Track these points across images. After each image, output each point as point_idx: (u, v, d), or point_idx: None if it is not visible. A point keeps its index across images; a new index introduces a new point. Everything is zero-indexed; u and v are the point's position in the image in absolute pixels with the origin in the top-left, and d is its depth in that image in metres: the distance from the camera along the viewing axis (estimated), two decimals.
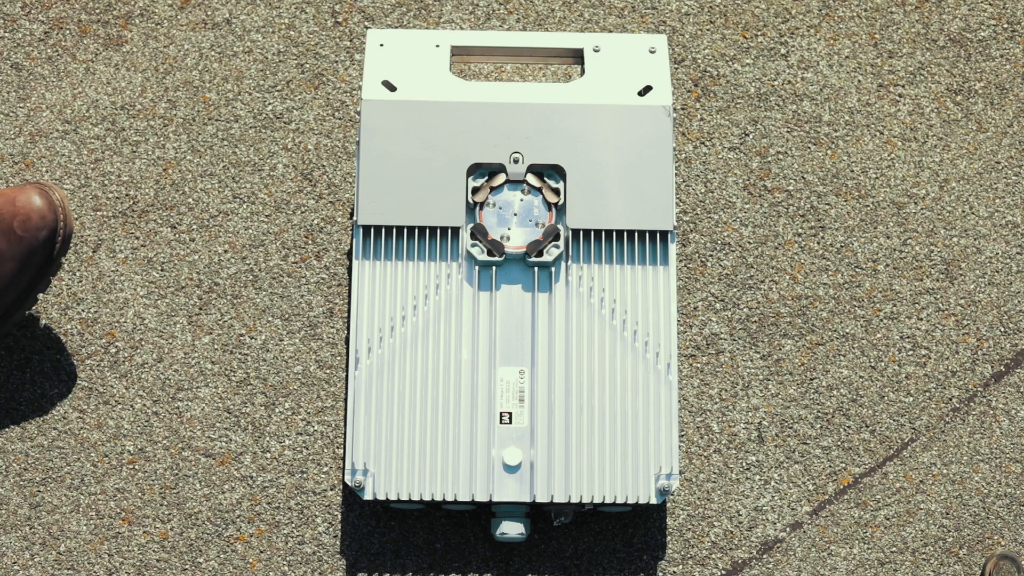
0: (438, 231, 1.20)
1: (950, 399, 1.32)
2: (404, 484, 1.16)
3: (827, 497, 1.30)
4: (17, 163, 1.34)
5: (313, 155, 1.34)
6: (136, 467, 1.27)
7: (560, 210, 1.20)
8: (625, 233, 1.20)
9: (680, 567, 1.28)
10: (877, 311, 1.32)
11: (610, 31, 1.38)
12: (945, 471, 1.31)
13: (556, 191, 1.20)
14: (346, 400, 1.17)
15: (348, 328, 1.28)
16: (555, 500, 1.16)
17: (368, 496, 1.16)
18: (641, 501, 1.17)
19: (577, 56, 1.25)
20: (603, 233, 1.20)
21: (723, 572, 1.28)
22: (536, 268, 1.20)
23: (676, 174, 1.33)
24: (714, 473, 1.29)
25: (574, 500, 1.16)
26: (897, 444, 1.31)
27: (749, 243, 1.33)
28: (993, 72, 1.37)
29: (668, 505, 1.28)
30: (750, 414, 1.30)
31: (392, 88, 1.21)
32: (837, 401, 1.31)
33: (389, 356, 1.18)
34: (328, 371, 1.29)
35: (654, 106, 1.21)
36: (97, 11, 1.39)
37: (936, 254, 1.34)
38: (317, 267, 1.31)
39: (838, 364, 1.31)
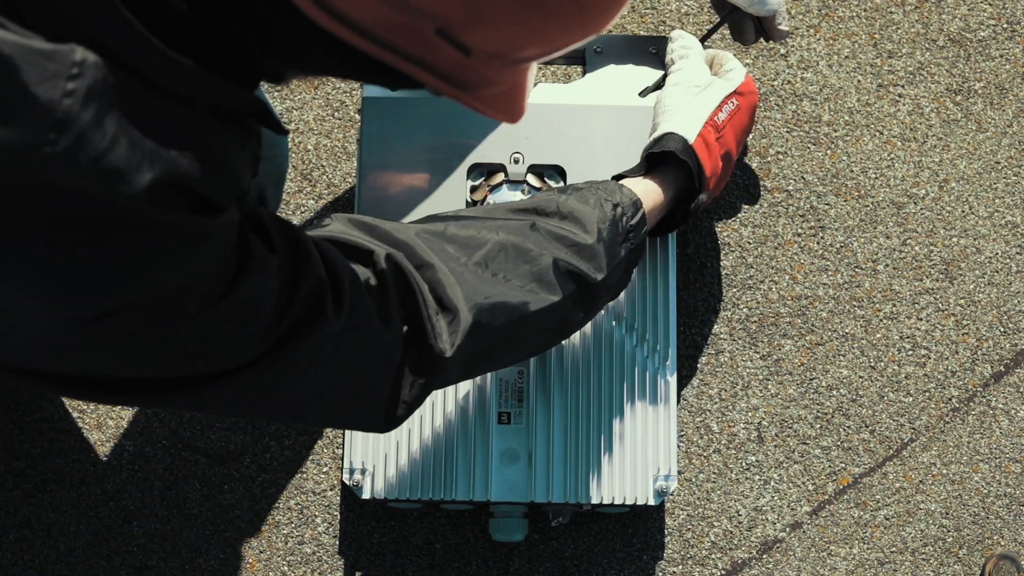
0: None
1: (950, 399, 1.31)
2: (402, 483, 1.16)
3: (827, 497, 1.29)
4: None
5: (313, 155, 1.34)
6: (136, 467, 1.27)
7: None
8: None
9: (680, 567, 1.28)
10: (877, 311, 1.32)
11: (610, 31, 1.37)
12: (945, 471, 1.30)
13: None
14: None
15: None
16: (553, 501, 1.16)
17: (366, 495, 1.16)
18: (639, 502, 1.17)
19: (578, 57, 1.25)
20: None
21: (723, 572, 1.28)
22: None
23: None
24: (714, 473, 1.29)
25: (572, 501, 1.16)
26: (897, 444, 1.31)
27: (749, 243, 1.33)
28: (993, 72, 1.37)
29: (668, 505, 1.28)
30: (750, 414, 1.30)
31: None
32: (837, 401, 1.31)
33: None
34: None
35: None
36: None
37: (936, 254, 1.34)
38: None
39: (838, 364, 1.31)
